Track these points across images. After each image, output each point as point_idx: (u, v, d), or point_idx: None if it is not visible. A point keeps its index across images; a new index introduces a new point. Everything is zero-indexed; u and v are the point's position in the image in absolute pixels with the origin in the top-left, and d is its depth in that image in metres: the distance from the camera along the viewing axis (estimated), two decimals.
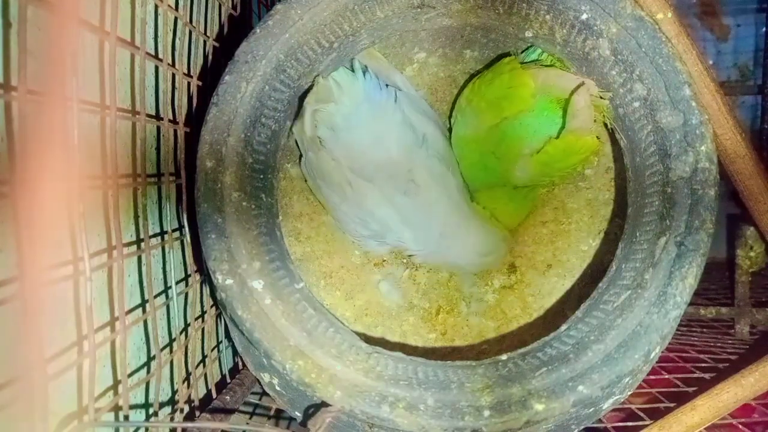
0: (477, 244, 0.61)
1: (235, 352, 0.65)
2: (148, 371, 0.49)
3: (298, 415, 0.54)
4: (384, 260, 0.65)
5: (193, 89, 0.56)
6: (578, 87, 0.53)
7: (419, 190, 0.58)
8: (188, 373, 0.55)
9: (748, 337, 0.75)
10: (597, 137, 0.55)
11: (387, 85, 0.59)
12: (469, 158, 0.60)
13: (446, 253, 0.61)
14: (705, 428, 0.52)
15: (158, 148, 0.53)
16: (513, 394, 0.45)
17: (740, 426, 0.53)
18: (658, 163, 0.49)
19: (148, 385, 0.49)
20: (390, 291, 0.65)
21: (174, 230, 0.54)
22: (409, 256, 0.63)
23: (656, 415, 0.53)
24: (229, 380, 0.60)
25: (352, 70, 0.59)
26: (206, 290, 0.62)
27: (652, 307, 0.47)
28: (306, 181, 0.63)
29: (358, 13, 0.52)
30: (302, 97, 0.55)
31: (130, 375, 0.46)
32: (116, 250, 0.42)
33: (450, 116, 0.63)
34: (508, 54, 0.60)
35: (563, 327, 0.49)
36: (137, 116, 0.46)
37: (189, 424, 0.45)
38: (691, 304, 0.49)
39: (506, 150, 0.57)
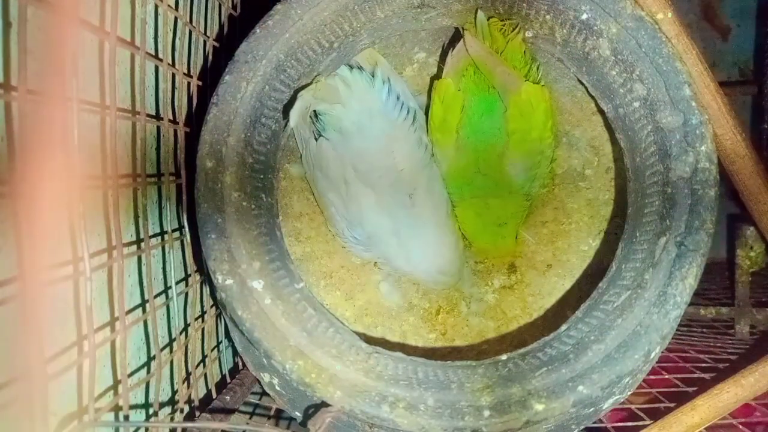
0: (446, 264, 0.61)
1: (235, 352, 0.65)
2: (148, 371, 0.49)
3: (298, 415, 0.54)
4: None
5: (193, 89, 0.56)
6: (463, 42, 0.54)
7: (414, 206, 0.58)
8: (188, 373, 0.55)
9: (748, 337, 0.74)
10: (533, 62, 0.56)
11: (409, 108, 0.59)
12: (457, 188, 0.60)
13: (412, 262, 0.60)
14: (705, 428, 0.52)
15: (158, 148, 0.53)
16: (513, 394, 0.45)
17: (740, 426, 0.53)
18: (658, 163, 0.49)
19: (148, 385, 0.49)
20: (390, 291, 0.65)
21: (174, 230, 0.54)
22: (386, 271, 0.63)
23: (656, 415, 0.53)
24: (229, 380, 0.60)
25: (372, 75, 0.59)
26: (206, 290, 0.62)
27: (652, 307, 0.47)
28: (306, 174, 0.63)
29: (358, 13, 0.52)
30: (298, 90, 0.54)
31: (130, 375, 0.46)
32: (116, 250, 0.42)
33: None
34: None
35: (563, 327, 0.49)
36: (137, 116, 0.46)
37: (189, 424, 0.45)
38: (691, 304, 0.49)
39: (485, 156, 0.57)
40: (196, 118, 0.55)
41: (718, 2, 1.03)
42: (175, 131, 0.54)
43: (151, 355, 0.50)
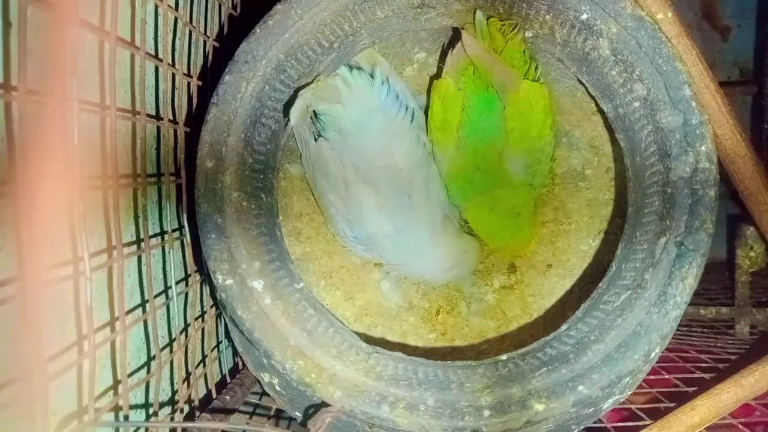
0: (445, 260, 0.61)
1: (235, 352, 0.65)
2: (148, 371, 0.49)
3: (298, 415, 0.54)
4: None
5: (193, 89, 0.56)
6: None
7: (412, 204, 0.58)
8: (188, 373, 0.55)
9: (748, 337, 0.74)
10: (532, 62, 0.56)
11: (407, 107, 0.59)
12: (457, 187, 0.60)
13: (416, 265, 0.60)
14: (705, 428, 0.51)
15: (158, 148, 0.53)
16: (513, 394, 0.45)
17: (740, 426, 0.53)
18: (658, 163, 0.49)
19: (148, 385, 0.49)
20: (390, 291, 0.65)
21: (174, 230, 0.54)
22: (387, 270, 0.63)
23: (656, 415, 0.53)
24: (229, 380, 0.60)
25: (371, 75, 0.59)
26: (206, 290, 0.62)
27: (652, 307, 0.47)
28: (305, 175, 0.63)
29: (358, 13, 0.52)
30: (299, 90, 0.54)
31: (130, 375, 0.46)
32: (116, 250, 0.42)
33: None
34: None
35: (563, 327, 0.49)
36: (137, 116, 0.46)
37: (189, 424, 0.45)
38: (691, 304, 0.49)
39: (484, 154, 0.57)
40: (196, 118, 0.55)
41: (718, 2, 1.03)
42: (175, 131, 0.54)
43: (151, 355, 0.50)
